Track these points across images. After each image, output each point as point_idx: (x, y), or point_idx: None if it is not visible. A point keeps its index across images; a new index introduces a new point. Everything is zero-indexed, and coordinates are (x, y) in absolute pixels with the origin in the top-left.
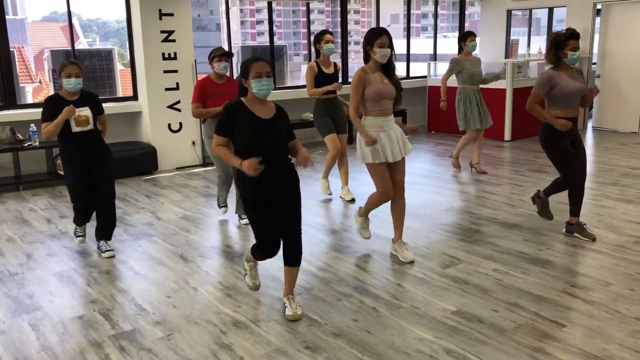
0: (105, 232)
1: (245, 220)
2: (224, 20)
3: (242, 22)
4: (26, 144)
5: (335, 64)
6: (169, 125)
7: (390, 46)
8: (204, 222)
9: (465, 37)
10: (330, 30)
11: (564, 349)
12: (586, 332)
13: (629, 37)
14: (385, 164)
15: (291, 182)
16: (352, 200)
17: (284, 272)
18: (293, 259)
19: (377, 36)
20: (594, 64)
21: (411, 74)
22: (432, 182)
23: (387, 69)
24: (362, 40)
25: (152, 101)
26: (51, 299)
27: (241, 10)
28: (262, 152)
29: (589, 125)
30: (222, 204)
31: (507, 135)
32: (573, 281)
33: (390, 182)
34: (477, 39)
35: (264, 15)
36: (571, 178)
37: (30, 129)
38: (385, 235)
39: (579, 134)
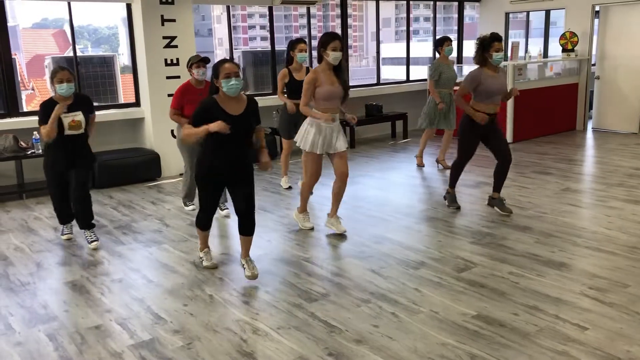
0: (83, 221)
1: (226, 210)
2: (216, 26)
3: (234, 27)
4: (29, 152)
5: (308, 69)
6: (172, 131)
7: (342, 49)
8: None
9: (442, 42)
10: (304, 39)
11: (588, 352)
12: (608, 334)
13: (627, 39)
14: (321, 155)
15: (244, 167)
16: (289, 188)
17: (240, 240)
18: (248, 230)
19: (331, 40)
20: (593, 65)
21: (411, 77)
22: (438, 185)
23: (338, 70)
24: (353, 44)
25: (154, 107)
26: (66, 309)
27: (233, 16)
28: (228, 143)
29: (589, 126)
30: (191, 203)
31: (509, 137)
32: (590, 283)
33: (320, 167)
34: (454, 44)
35: (256, 20)
36: (463, 161)
37: (33, 137)
38: (396, 239)
39: (497, 127)
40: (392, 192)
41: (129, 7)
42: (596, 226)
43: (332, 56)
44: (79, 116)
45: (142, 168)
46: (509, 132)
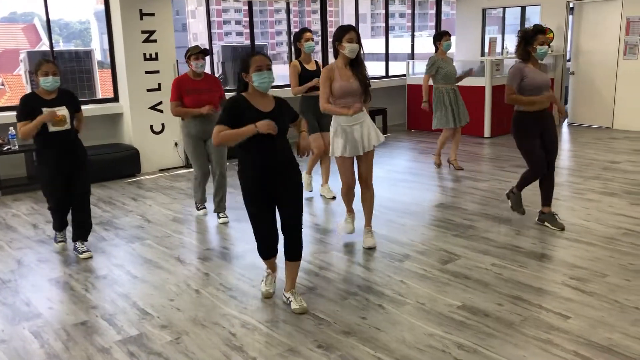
0: (82, 232)
1: (223, 218)
2: (191, 21)
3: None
4: (5, 148)
5: (316, 61)
6: (151, 126)
7: (358, 42)
8: (195, 224)
9: (441, 37)
10: (309, 28)
11: (571, 340)
12: (590, 322)
13: (601, 35)
14: (351, 158)
15: (292, 178)
16: (333, 198)
17: (285, 267)
18: (293, 252)
19: (345, 32)
20: (568, 61)
21: (390, 73)
22: (419, 180)
23: (356, 64)
24: (329, 40)
25: (133, 102)
26: (50, 306)
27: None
28: (264, 143)
29: (564, 121)
30: (201, 206)
31: (487, 132)
32: (571, 273)
33: (351, 171)
34: (452, 38)
35: (231, 15)
36: (538, 168)
37: (9, 133)
38: (381, 233)
39: (552, 125)
40: (374, 187)
41: (106, 0)
42: (574, 218)
43: (349, 48)
44: (63, 111)
45: (121, 164)
46: (487, 127)
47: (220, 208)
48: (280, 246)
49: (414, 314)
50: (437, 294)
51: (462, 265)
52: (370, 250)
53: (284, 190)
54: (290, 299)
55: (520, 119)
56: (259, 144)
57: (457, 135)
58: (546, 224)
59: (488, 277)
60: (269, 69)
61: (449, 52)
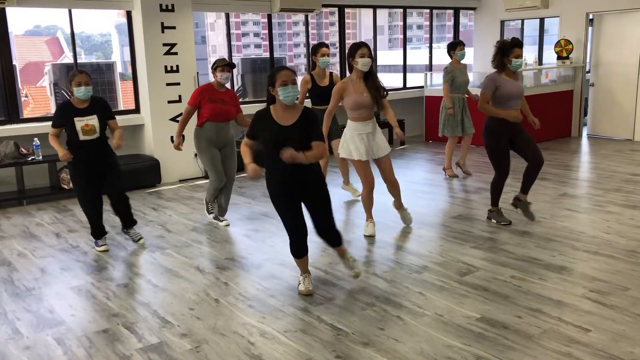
0: (127, 220)
1: (225, 221)
2: (210, 33)
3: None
4: (30, 159)
5: (332, 74)
6: (172, 137)
7: (370, 56)
8: (214, 233)
9: (455, 46)
10: (327, 43)
11: (591, 353)
12: (611, 336)
13: (621, 46)
14: (367, 161)
15: (313, 181)
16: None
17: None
18: (333, 241)
19: (358, 48)
20: (588, 72)
21: (407, 85)
22: (437, 191)
23: (369, 76)
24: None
25: (154, 114)
26: (72, 313)
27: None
28: (278, 156)
29: (584, 133)
30: (212, 210)
31: None
32: (591, 286)
33: (370, 173)
34: (470, 50)
35: (249, 27)
36: (504, 168)
37: (34, 143)
38: (399, 244)
39: (522, 129)
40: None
41: (129, 14)
42: (595, 230)
43: (361, 62)
44: (93, 120)
45: (142, 174)
46: None
47: (222, 212)
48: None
49: (432, 325)
50: (456, 306)
51: (481, 277)
52: (392, 262)
53: (309, 196)
54: (349, 266)
55: (493, 121)
56: (271, 159)
57: (467, 141)
58: (519, 210)
59: (507, 289)
60: (294, 83)
61: (463, 61)
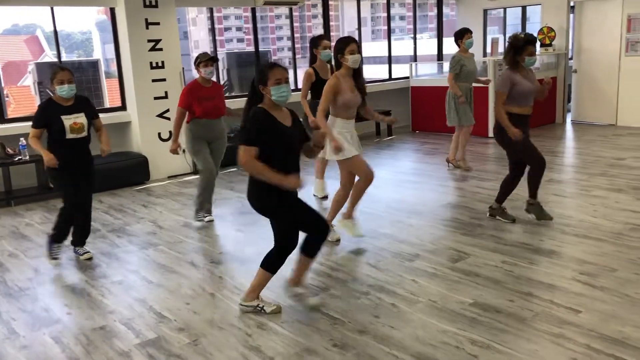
0: (82, 238)
1: (209, 217)
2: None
3: (210, 30)
4: (16, 159)
5: (332, 67)
6: (159, 134)
7: (360, 52)
8: (206, 228)
9: (462, 35)
10: (324, 35)
11: (583, 333)
12: (601, 316)
13: (602, 33)
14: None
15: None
16: (325, 197)
17: (299, 261)
18: (315, 250)
19: (347, 44)
20: (571, 59)
21: (393, 75)
22: (425, 180)
23: (357, 74)
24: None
25: (141, 111)
26: (68, 311)
27: (208, 18)
28: (289, 159)
29: (568, 119)
30: (206, 214)
31: (491, 132)
32: (580, 269)
33: (369, 165)
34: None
35: (231, 22)
36: (537, 158)
37: (20, 143)
38: (390, 234)
39: (528, 126)
40: (381, 189)
41: (112, 10)
42: (582, 214)
43: (352, 59)
44: (81, 118)
45: (130, 171)
46: (491, 127)
47: (201, 211)
48: None
49: (426, 311)
50: (449, 292)
51: (472, 264)
52: (384, 251)
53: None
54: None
55: (509, 119)
56: (284, 164)
57: (467, 133)
58: (532, 215)
59: (498, 274)
60: (287, 81)
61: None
